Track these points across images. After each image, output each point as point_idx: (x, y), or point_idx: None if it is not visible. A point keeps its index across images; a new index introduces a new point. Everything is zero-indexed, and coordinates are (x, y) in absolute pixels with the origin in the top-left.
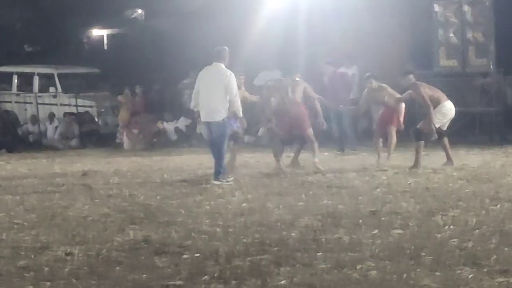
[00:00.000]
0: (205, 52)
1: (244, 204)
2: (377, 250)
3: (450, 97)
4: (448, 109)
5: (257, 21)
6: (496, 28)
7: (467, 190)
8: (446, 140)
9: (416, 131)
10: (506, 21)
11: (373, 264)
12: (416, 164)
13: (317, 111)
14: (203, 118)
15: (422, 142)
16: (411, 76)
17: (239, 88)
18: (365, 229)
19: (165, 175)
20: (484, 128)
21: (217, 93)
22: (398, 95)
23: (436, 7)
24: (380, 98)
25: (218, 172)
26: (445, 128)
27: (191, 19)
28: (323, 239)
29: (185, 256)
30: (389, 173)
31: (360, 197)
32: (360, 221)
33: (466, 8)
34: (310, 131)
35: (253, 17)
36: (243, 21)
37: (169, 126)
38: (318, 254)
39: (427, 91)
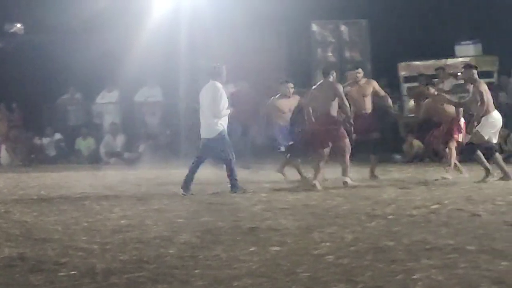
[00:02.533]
0: (86, 67)
1: (122, 221)
2: (254, 267)
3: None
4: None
5: (139, 38)
6: (372, 48)
7: (345, 207)
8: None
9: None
10: (382, 40)
11: (249, 281)
12: (505, 175)
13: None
14: (202, 134)
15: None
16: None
17: (287, 96)
18: (243, 246)
19: (42, 191)
20: (364, 146)
21: (210, 110)
22: (455, 101)
23: (314, 27)
24: (439, 106)
25: (234, 185)
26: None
27: (73, 35)
28: (201, 256)
29: (61, 273)
30: (269, 190)
31: (239, 214)
32: (239, 237)
33: (343, 28)
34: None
35: (135, 34)
36: (125, 37)
37: (47, 142)
38: (195, 271)
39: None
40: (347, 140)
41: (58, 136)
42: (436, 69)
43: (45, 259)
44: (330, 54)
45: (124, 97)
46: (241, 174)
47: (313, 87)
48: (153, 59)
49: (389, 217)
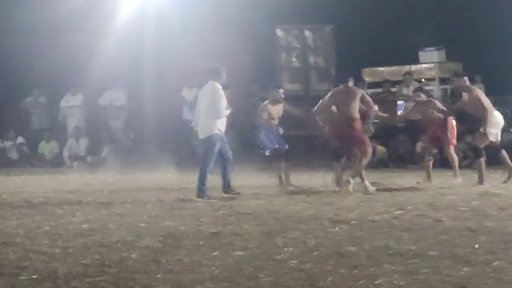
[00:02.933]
0: (50, 70)
1: (84, 225)
2: (216, 272)
3: (292, 120)
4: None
5: (104, 41)
6: (336, 53)
7: (308, 213)
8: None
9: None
10: (346, 46)
11: (212, 286)
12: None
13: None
14: (199, 135)
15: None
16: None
17: (278, 102)
18: (206, 250)
19: (4, 195)
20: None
21: (206, 111)
22: (444, 108)
23: (279, 32)
24: (427, 112)
25: (201, 191)
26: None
27: (37, 37)
28: (164, 260)
29: (22, 277)
30: (232, 195)
31: (202, 219)
32: (201, 242)
33: (307, 33)
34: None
35: (100, 37)
36: (90, 40)
37: (9, 145)
38: (157, 275)
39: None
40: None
41: (20, 139)
42: (404, 74)
43: (6, 263)
44: (294, 59)
45: (88, 101)
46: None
47: (332, 93)
48: (118, 63)
49: (352, 222)
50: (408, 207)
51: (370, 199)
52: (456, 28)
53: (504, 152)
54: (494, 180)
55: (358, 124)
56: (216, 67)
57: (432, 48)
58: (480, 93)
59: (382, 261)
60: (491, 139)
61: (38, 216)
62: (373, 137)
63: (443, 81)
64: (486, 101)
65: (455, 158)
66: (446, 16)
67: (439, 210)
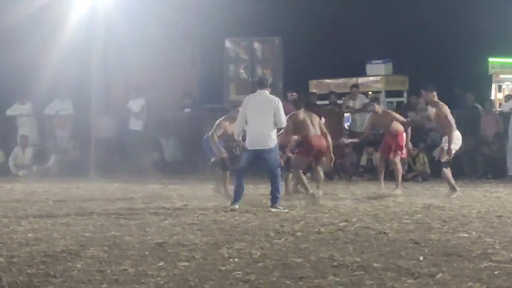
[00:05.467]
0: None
1: (30, 234)
2: (162, 282)
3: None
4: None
5: (52, 51)
6: (284, 65)
7: (253, 224)
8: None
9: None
10: (294, 58)
11: None
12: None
13: None
14: (252, 146)
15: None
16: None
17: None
18: (151, 261)
19: None
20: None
21: (266, 120)
22: (403, 119)
23: (227, 43)
24: (385, 123)
25: (276, 199)
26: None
27: None
28: (109, 271)
29: None
30: (178, 205)
31: (148, 229)
32: (147, 252)
33: (256, 45)
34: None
35: (49, 47)
36: (38, 50)
37: None
38: (102, 285)
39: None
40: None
41: None
42: (351, 87)
43: None
44: (242, 71)
45: (36, 110)
46: (153, 188)
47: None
48: (66, 73)
49: (297, 234)
50: (353, 219)
51: (315, 210)
52: (403, 41)
53: (446, 170)
54: (438, 193)
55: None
56: (262, 76)
57: (379, 61)
58: (448, 110)
59: (327, 272)
60: (452, 154)
61: None
62: None
63: (389, 94)
64: (452, 119)
65: (400, 169)
66: (393, 29)
67: (383, 222)
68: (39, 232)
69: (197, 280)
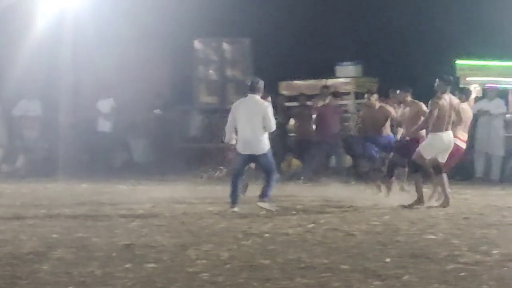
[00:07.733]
0: None
1: None
2: (129, 284)
3: (210, 133)
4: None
5: (20, 51)
6: (254, 66)
7: (221, 225)
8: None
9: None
10: (264, 59)
11: None
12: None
13: None
14: (244, 150)
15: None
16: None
17: None
18: (119, 262)
19: None
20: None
21: (256, 125)
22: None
23: (197, 44)
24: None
25: (266, 195)
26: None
27: None
28: (76, 272)
29: None
30: (146, 206)
31: (115, 230)
32: (114, 254)
33: (225, 46)
34: None
35: (16, 47)
36: (6, 50)
37: None
38: (69, 287)
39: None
40: None
41: None
42: (322, 88)
43: None
44: (211, 72)
45: (4, 110)
46: (122, 190)
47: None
48: (34, 73)
49: (265, 235)
50: (321, 221)
51: (284, 212)
52: (373, 43)
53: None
54: (407, 195)
55: None
56: (253, 80)
57: (349, 63)
58: (423, 111)
59: (295, 274)
60: (428, 158)
61: None
62: (288, 150)
63: (359, 96)
64: (431, 117)
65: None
66: (363, 31)
67: (351, 224)
68: (5, 234)
69: (164, 281)
